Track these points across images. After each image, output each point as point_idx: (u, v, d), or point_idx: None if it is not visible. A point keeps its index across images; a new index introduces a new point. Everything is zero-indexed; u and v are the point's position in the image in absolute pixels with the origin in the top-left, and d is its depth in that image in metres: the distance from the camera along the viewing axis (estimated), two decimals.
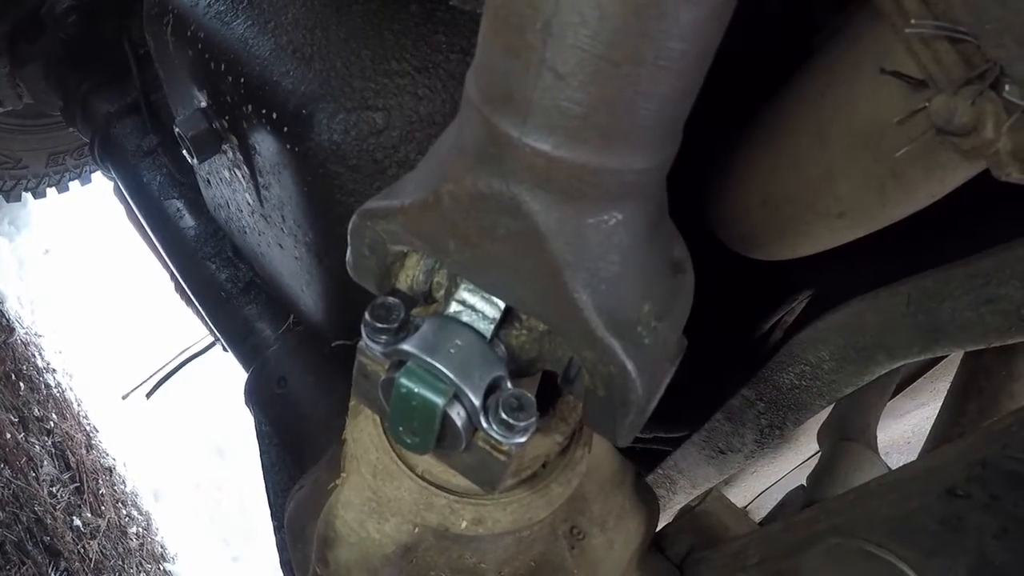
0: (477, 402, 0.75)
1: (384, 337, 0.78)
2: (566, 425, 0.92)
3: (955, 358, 1.67)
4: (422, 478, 0.97)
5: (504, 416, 0.75)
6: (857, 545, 1.05)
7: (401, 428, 0.80)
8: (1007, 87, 0.73)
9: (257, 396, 2.09)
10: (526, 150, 0.65)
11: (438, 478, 0.97)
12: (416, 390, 0.75)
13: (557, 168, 0.65)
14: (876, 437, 1.56)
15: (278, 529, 1.96)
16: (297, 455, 1.96)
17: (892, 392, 1.82)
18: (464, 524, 0.95)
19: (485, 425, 0.76)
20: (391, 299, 0.80)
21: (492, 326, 0.78)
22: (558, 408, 0.92)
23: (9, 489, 3.62)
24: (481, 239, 0.70)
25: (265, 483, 2.04)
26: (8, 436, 3.87)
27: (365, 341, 0.79)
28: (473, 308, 0.78)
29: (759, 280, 1.76)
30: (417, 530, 0.98)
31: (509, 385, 0.78)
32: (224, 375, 3.13)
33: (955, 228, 1.17)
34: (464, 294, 0.79)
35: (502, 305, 0.77)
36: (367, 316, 0.78)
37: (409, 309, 0.81)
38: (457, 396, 0.75)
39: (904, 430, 2.10)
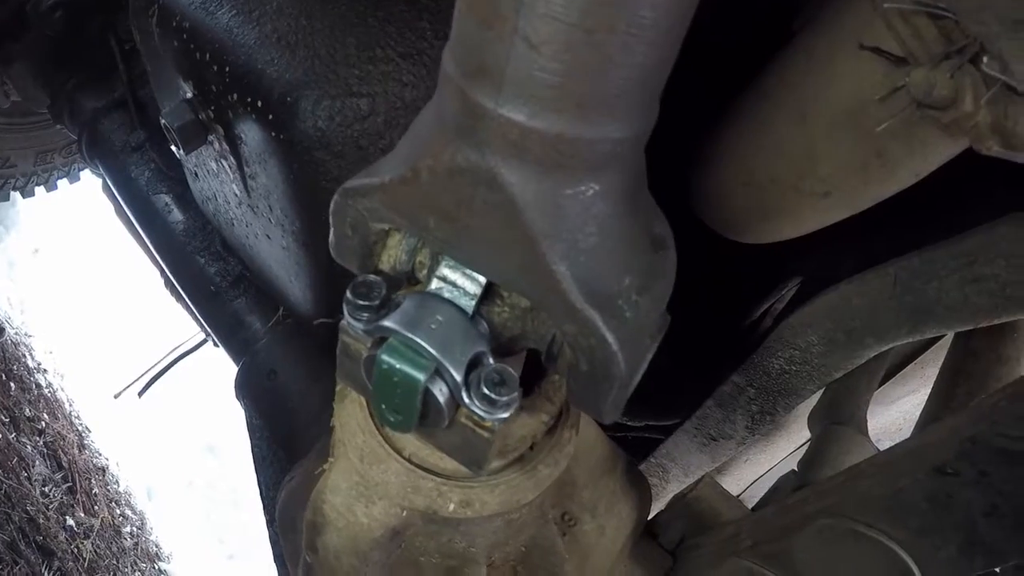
0: (459, 377, 0.75)
1: (366, 315, 0.78)
2: (551, 405, 0.92)
3: (944, 344, 1.68)
4: (409, 461, 0.96)
5: (486, 391, 0.74)
6: (847, 526, 1.05)
7: (384, 406, 0.79)
8: (986, 61, 0.73)
9: (247, 389, 2.09)
10: (501, 121, 0.64)
11: (425, 461, 0.96)
12: (397, 366, 0.74)
13: (532, 138, 0.64)
14: (866, 421, 1.57)
15: (271, 523, 1.95)
16: (288, 448, 1.96)
17: (882, 377, 1.82)
18: (452, 507, 0.95)
19: (467, 400, 0.76)
20: (372, 277, 0.80)
21: (473, 302, 0.78)
22: (543, 388, 0.92)
23: (0, 489, 3.61)
24: (459, 213, 0.70)
25: (257, 477, 2.04)
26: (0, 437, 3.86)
27: (347, 319, 0.79)
28: (454, 284, 0.78)
29: (748, 268, 1.76)
30: (405, 513, 0.98)
31: (491, 361, 0.78)
32: (216, 372, 3.12)
33: (941, 212, 1.17)
34: (445, 271, 0.78)
35: (483, 281, 0.77)
36: (348, 294, 0.78)
37: (392, 289, 0.81)
38: (439, 372, 0.75)
39: (895, 417, 2.10)
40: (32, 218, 5.66)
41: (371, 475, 0.96)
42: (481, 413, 0.75)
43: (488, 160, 0.67)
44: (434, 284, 0.79)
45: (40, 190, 3.99)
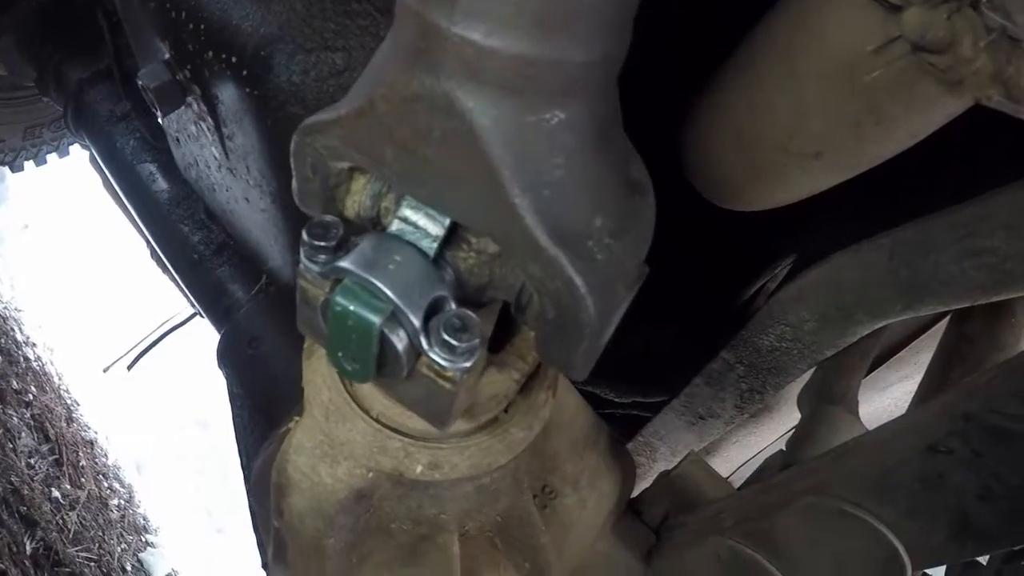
0: (417, 322, 0.70)
1: (322, 256, 0.74)
2: (523, 362, 0.88)
3: (938, 330, 1.65)
4: (377, 421, 0.92)
5: (446, 337, 0.70)
6: (833, 505, 1.02)
7: (340, 354, 0.75)
8: (985, 1, 0.69)
9: (229, 358, 2.08)
10: (455, 40, 0.60)
11: (393, 421, 0.92)
12: (352, 308, 0.70)
13: (490, 59, 0.60)
14: (857, 402, 1.53)
15: (250, 492, 1.93)
16: (269, 416, 1.95)
17: (874, 361, 1.79)
18: (419, 469, 0.91)
19: (426, 347, 0.71)
20: (329, 217, 0.75)
21: (435, 244, 0.73)
22: (515, 344, 0.88)
23: None
24: (417, 144, 0.66)
25: (238, 446, 2.02)
26: None
27: (303, 262, 0.75)
28: (416, 226, 0.74)
29: (741, 245, 1.73)
30: (371, 475, 0.94)
31: (453, 306, 0.74)
32: (206, 346, 3.11)
33: (941, 187, 1.13)
34: (407, 211, 0.74)
35: (446, 223, 0.73)
36: (304, 235, 0.74)
37: (353, 233, 0.77)
38: (396, 316, 0.71)
39: (887, 403, 2.08)
40: (21, 193, 5.67)
41: (336, 434, 0.93)
42: (441, 361, 0.71)
43: (444, 84, 0.63)
44: (395, 226, 0.75)
45: (29, 165, 3.99)
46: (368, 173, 0.77)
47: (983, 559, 1.75)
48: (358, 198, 0.78)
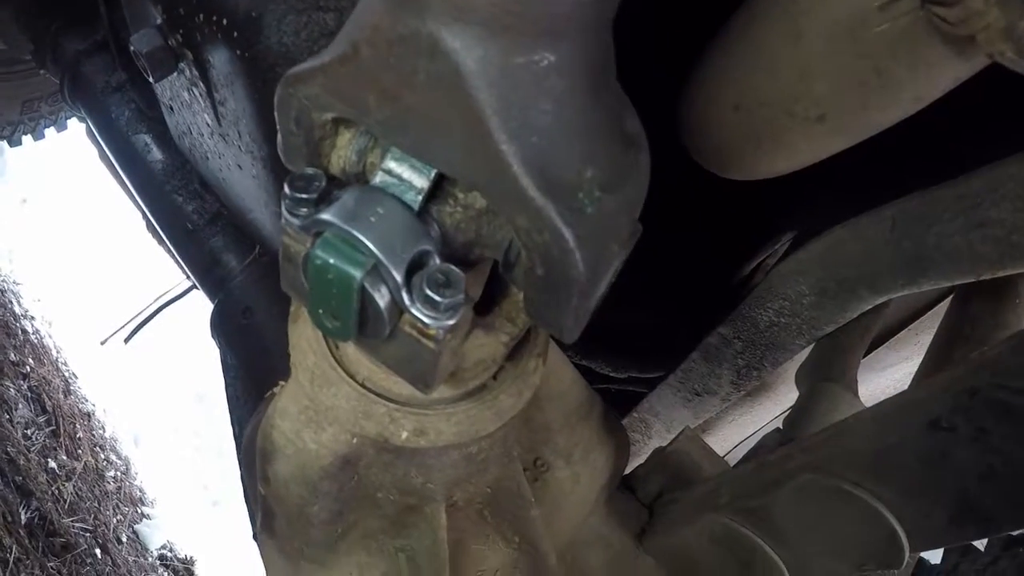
0: (399, 276, 0.68)
1: (304, 210, 0.71)
2: (512, 325, 0.86)
3: (939, 311, 1.63)
4: (362, 386, 0.90)
5: (428, 292, 0.68)
6: (831, 483, 1.00)
7: (321, 311, 0.73)
8: None
9: (222, 328, 2.07)
10: None
11: (379, 386, 0.90)
12: (332, 261, 0.68)
13: None
14: (856, 380, 1.51)
15: (241, 462, 1.93)
16: (262, 387, 1.93)
17: (874, 341, 1.77)
18: (405, 435, 0.89)
19: (408, 303, 0.69)
20: (311, 169, 0.73)
21: (420, 197, 0.71)
22: (503, 307, 0.86)
23: None
24: (401, 89, 0.64)
25: (231, 416, 2.01)
26: None
27: (285, 216, 0.72)
28: (400, 178, 0.71)
29: (741, 220, 1.71)
30: (356, 441, 0.92)
31: (437, 261, 0.71)
32: (204, 319, 3.11)
33: (945, 162, 1.11)
34: (391, 163, 0.72)
35: (431, 175, 0.71)
36: (286, 187, 0.72)
37: (336, 186, 0.74)
38: (378, 270, 0.68)
39: (886, 384, 2.06)
40: (19, 167, 5.66)
41: (321, 399, 0.91)
42: (424, 318, 0.69)
43: (428, 24, 0.60)
44: (379, 178, 0.72)
45: (27, 139, 3.98)
46: (354, 127, 0.75)
47: (981, 545, 1.74)
48: (343, 153, 0.76)
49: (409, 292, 0.69)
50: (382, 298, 0.69)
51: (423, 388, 0.79)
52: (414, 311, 0.69)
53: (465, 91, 0.60)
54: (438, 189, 0.73)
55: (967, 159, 1.07)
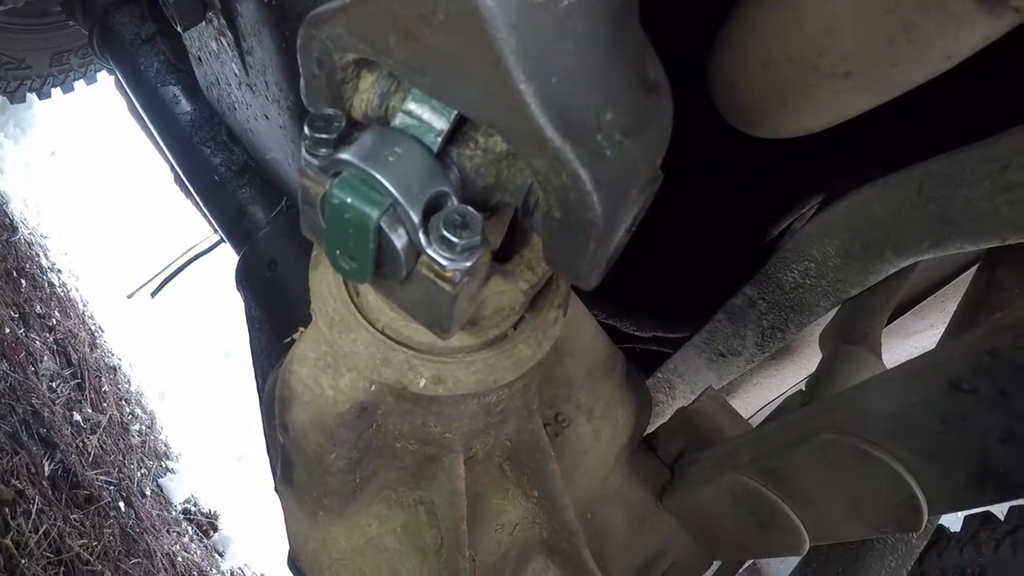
0: (416, 217, 0.68)
1: (323, 150, 0.71)
2: (532, 273, 0.85)
3: (965, 280, 1.61)
4: (382, 332, 0.91)
5: (445, 233, 0.68)
6: (851, 443, 1.00)
7: (338, 251, 0.73)
8: None
9: (247, 280, 2.08)
10: None
11: (398, 333, 0.91)
12: (349, 200, 0.68)
13: None
14: (880, 344, 1.50)
15: (263, 415, 1.94)
16: (286, 339, 1.94)
17: (900, 308, 1.76)
18: (423, 382, 0.89)
19: (424, 243, 0.69)
20: (331, 110, 0.73)
21: (439, 139, 0.71)
22: (524, 256, 0.86)
23: (6, 382, 3.62)
24: (421, 29, 0.63)
25: (254, 368, 2.02)
26: (7, 331, 3.86)
27: (304, 157, 0.72)
28: (420, 119, 0.71)
29: (769, 183, 1.70)
30: (374, 388, 0.93)
31: (455, 202, 0.71)
32: (230, 274, 3.13)
33: (973, 127, 1.09)
34: (411, 105, 0.71)
35: (451, 116, 0.70)
36: (306, 129, 0.71)
37: (355, 128, 0.74)
38: (395, 211, 0.68)
39: (912, 351, 2.05)
40: (48, 120, 5.66)
41: (340, 345, 0.91)
42: (440, 260, 0.69)
43: None
44: (399, 119, 0.72)
45: (56, 92, 3.98)
46: (376, 71, 0.75)
47: (1001, 514, 1.73)
48: (366, 97, 0.76)
49: (426, 233, 0.69)
50: (399, 239, 0.68)
51: (440, 333, 0.79)
52: (430, 252, 0.69)
53: (484, 31, 0.59)
54: (459, 132, 0.73)
55: (995, 122, 1.06)
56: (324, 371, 0.95)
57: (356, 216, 0.68)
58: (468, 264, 0.69)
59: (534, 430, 1.08)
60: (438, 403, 0.93)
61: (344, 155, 0.69)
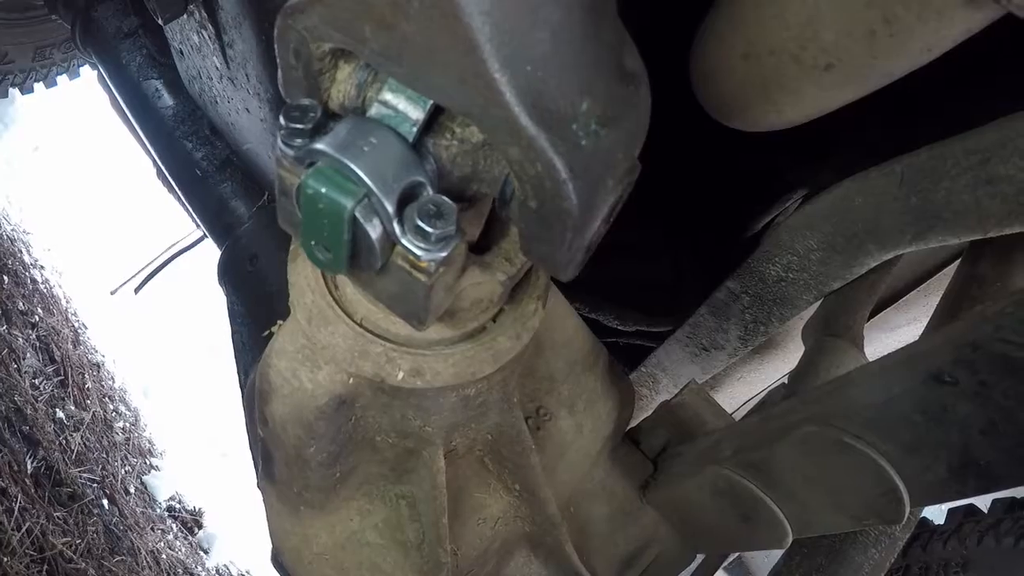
0: (390, 207, 0.67)
1: (299, 140, 0.70)
2: (510, 265, 0.85)
3: (947, 274, 1.62)
4: (360, 325, 0.90)
5: (419, 223, 0.67)
6: (832, 435, 1.00)
7: (313, 242, 0.73)
8: None
9: (229, 274, 2.07)
10: None
11: (376, 326, 0.90)
12: (323, 191, 0.67)
13: None
14: (863, 337, 1.51)
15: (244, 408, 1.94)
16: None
17: (883, 302, 1.76)
18: (401, 375, 0.89)
19: (399, 233, 0.69)
20: (307, 100, 0.72)
21: (415, 128, 0.70)
22: (502, 246, 0.85)
23: None
24: (396, 18, 0.62)
25: (236, 364, 2.01)
26: None
27: (280, 147, 0.71)
28: (396, 109, 0.71)
29: (753, 177, 1.70)
30: (352, 380, 0.92)
31: (430, 192, 0.71)
32: (214, 270, 3.13)
33: (956, 121, 1.09)
34: (387, 95, 0.71)
35: (427, 106, 0.70)
36: (281, 119, 0.71)
37: (331, 118, 0.73)
38: (370, 201, 0.68)
39: (895, 345, 2.05)
40: (31, 115, 5.62)
41: (318, 337, 0.90)
42: (415, 250, 0.68)
43: None
44: (374, 109, 0.72)
45: (39, 86, 3.97)
46: (353, 61, 0.74)
47: (984, 507, 1.74)
48: (343, 87, 0.75)
49: (401, 223, 0.68)
50: (374, 229, 0.68)
51: (416, 324, 0.78)
52: (405, 242, 0.68)
53: (458, 19, 0.58)
54: (435, 123, 0.72)
55: (978, 115, 1.06)
56: (302, 364, 0.95)
57: (330, 206, 0.67)
58: (443, 254, 0.68)
59: (514, 423, 1.07)
60: (417, 396, 0.93)
61: (319, 145, 0.68)
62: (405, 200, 0.68)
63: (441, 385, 0.90)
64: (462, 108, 0.66)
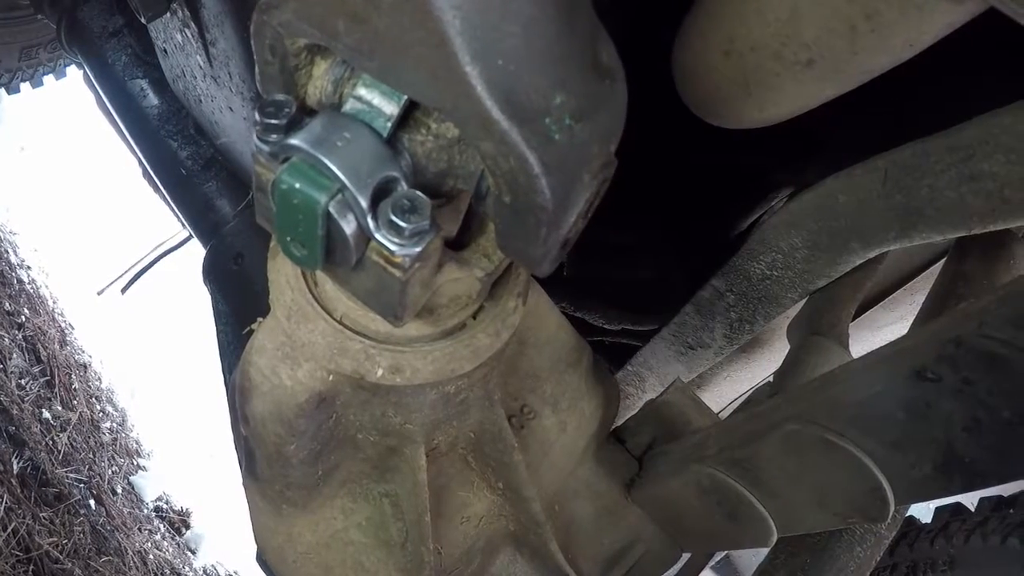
0: (364, 202, 0.67)
1: (274, 136, 0.70)
2: (488, 261, 0.85)
3: (933, 272, 1.62)
4: (340, 322, 0.90)
5: (393, 218, 0.67)
6: (816, 433, 0.99)
7: (289, 238, 0.72)
8: None
9: (214, 273, 2.06)
10: None
11: (356, 323, 0.90)
12: (297, 186, 0.67)
13: None
14: (848, 335, 1.50)
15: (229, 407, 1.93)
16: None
17: (870, 300, 1.76)
18: (380, 372, 0.89)
19: (373, 228, 0.68)
20: (282, 96, 0.72)
21: (389, 124, 0.70)
22: (480, 243, 0.85)
23: None
24: (368, 12, 0.62)
25: (221, 363, 2.00)
26: None
27: (255, 143, 0.71)
28: (370, 104, 0.71)
29: (738, 176, 1.70)
30: (332, 378, 0.92)
31: (404, 187, 0.70)
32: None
33: (940, 119, 1.09)
34: (361, 90, 0.71)
35: (401, 101, 0.70)
36: (256, 115, 0.71)
37: (306, 114, 0.73)
38: (344, 196, 0.67)
39: (881, 344, 2.05)
40: (17, 115, 5.61)
41: (297, 335, 0.90)
42: (389, 245, 0.68)
43: None
44: (349, 104, 0.71)
45: (26, 87, 3.95)
46: (329, 57, 0.74)
47: (971, 505, 1.74)
48: (319, 83, 0.75)
49: (375, 218, 0.68)
50: (348, 224, 0.68)
51: (393, 320, 0.78)
52: (379, 237, 0.68)
53: (429, 12, 0.58)
54: (410, 118, 0.72)
55: (962, 111, 1.06)
56: (282, 361, 0.94)
57: (304, 201, 0.67)
58: (417, 249, 0.68)
59: (496, 421, 1.07)
60: (396, 393, 0.93)
61: (293, 140, 0.68)
62: (379, 195, 0.68)
63: (420, 382, 0.90)
64: (434, 103, 0.65)
